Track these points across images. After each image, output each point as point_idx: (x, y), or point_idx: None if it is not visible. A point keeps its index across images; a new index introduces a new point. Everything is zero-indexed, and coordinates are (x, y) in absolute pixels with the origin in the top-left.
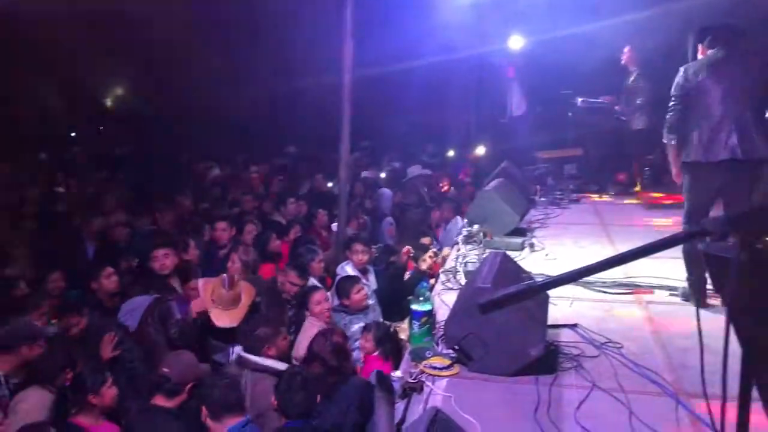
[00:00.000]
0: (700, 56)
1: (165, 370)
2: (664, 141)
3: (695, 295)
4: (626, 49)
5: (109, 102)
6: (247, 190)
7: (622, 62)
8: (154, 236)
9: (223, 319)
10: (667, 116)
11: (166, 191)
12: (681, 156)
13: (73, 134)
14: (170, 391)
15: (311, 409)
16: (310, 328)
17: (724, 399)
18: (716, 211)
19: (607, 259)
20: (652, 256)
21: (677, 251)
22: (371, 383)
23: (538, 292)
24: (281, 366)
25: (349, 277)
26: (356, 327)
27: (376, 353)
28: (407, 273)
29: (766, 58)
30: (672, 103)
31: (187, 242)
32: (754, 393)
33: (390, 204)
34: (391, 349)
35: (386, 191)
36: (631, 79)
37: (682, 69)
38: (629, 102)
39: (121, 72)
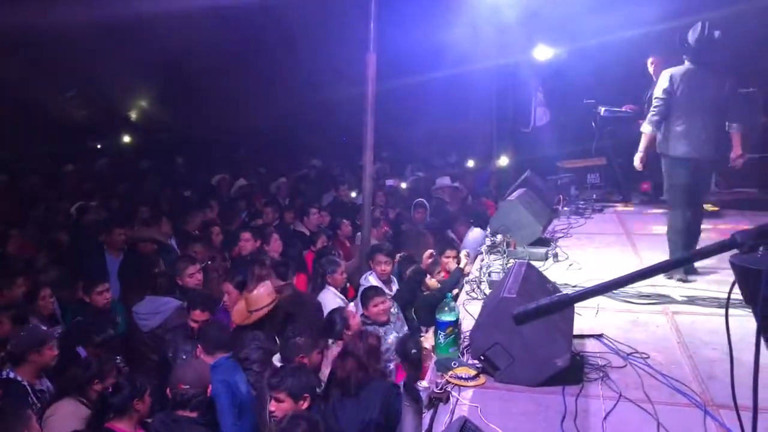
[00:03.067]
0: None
1: (184, 387)
2: (642, 130)
3: (678, 272)
4: (651, 59)
5: (133, 115)
6: (270, 201)
7: (651, 72)
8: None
9: None
10: (652, 113)
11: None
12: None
13: (99, 146)
14: (195, 406)
15: None
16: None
17: (755, 410)
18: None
19: (640, 270)
20: None
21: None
22: (396, 386)
23: (573, 303)
24: None
25: (370, 288)
26: (392, 338)
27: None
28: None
29: (735, 80)
30: (657, 105)
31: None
32: None
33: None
34: (410, 365)
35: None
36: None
37: (667, 74)
38: None
39: (146, 84)
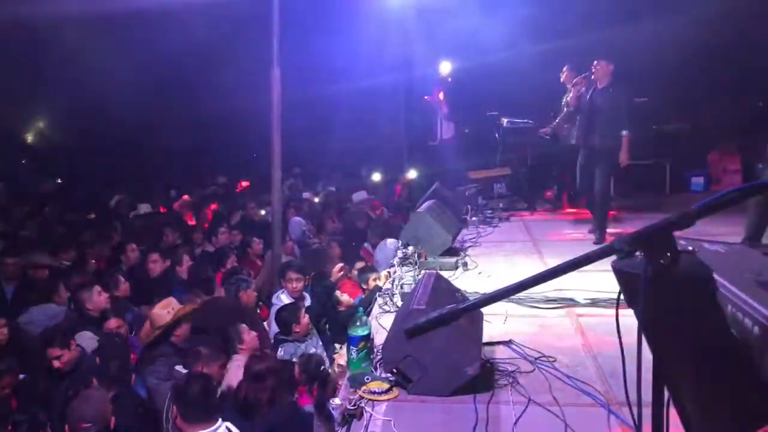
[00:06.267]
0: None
1: (85, 425)
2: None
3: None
4: (564, 69)
5: (30, 137)
6: (174, 222)
7: (562, 80)
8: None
9: None
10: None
11: (92, 227)
12: None
13: None
14: None
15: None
16: (238, 363)
17: (639, 404)
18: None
19: (521, 281)
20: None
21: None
22: (299, 409)
23: (460, 315)
24: None
25: (291, 305)
26: (312, 351)
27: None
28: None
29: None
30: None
31: (117, 278)
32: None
33: (299, 232)
34: (318, 384)
35: (297, 219)
36: (569, 96)
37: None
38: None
39: (43, 105)
